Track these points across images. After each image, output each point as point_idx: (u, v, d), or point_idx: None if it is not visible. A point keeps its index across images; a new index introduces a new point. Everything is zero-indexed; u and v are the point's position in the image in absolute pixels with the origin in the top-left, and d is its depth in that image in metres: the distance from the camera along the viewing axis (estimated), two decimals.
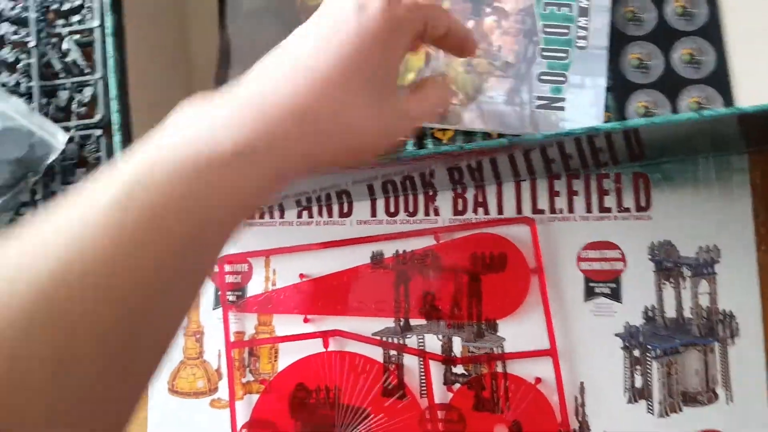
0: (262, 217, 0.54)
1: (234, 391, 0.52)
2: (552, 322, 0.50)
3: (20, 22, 0.54)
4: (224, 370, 0.53)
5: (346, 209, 0.53)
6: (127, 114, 0.43)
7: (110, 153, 0.53)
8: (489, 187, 0.52)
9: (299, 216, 0.54)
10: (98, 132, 0.53)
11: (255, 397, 0.52)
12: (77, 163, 0.53)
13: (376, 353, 0.52)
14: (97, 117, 0.53)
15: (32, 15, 0.53)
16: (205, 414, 0.53)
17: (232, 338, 0.53)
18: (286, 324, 0.53)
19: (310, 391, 0.52)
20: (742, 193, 0.49)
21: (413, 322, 0.52)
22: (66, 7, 0.54)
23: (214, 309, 0.54)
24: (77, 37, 0.53)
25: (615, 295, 0.50)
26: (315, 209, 0.54)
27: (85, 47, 0.54)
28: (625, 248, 0.50)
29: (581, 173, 0.51)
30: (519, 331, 0.50)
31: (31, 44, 0.53)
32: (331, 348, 0.52)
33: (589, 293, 0.50)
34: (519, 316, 0.51)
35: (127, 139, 0.42)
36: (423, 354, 0.51)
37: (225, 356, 0.53)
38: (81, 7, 0.53)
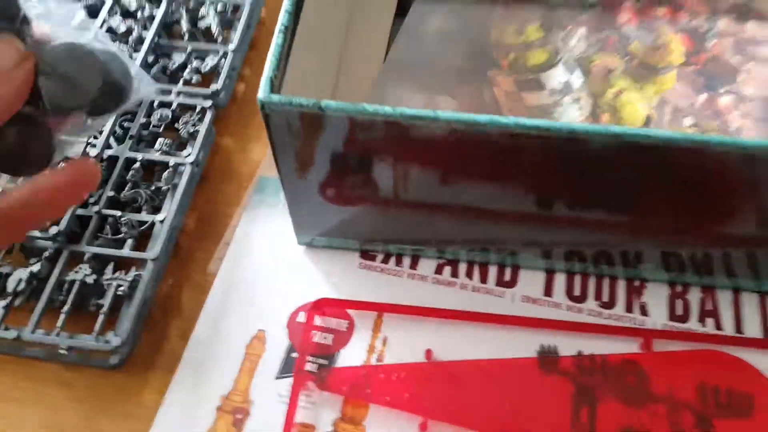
0: (386, 261, 0.37)
1: None
2: None
3: None
4: None
5: (508, 276, 0.37)
6: None
7: (210, 134, 0.40)
8: (722, 293, 0.36)
9: (438, 271, 0.37)
10: (207, 103, 0.40)
11: None
12: (159, 134, 0.40)
13: None
14: (212, 88, 0.40)
15: None
16: None
17: None
18: (387, 428, 0.32)
19: None
20: None
21: None
22: None
23: (278, 378, 0.34)
24: (220, 7, 0.44)
25: None
26: (462, 267, 0.37)
27: (224, 15, 0.44)
28: None
29: None
30: None
31: None
32: None
33: None
34: None
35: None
36: None
37: None
38: None
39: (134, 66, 0.25)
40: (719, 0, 0.46)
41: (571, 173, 0.30)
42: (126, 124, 0.39)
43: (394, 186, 0.32)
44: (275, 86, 0.28)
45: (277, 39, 0.29)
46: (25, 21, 0.23)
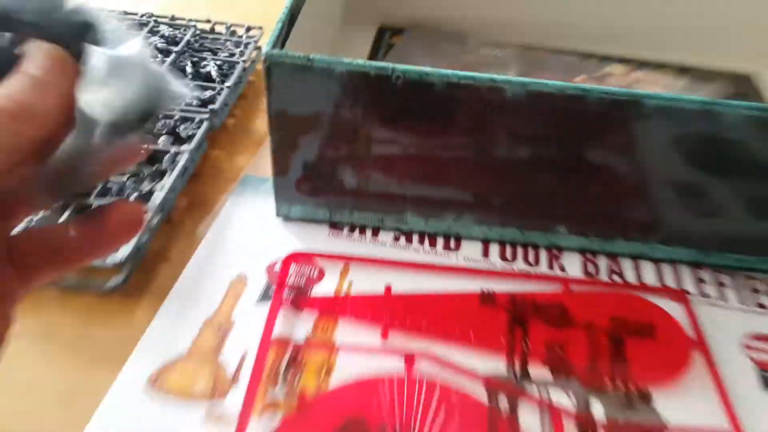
0: (351, 232, 0.44)
1: (252, 403, 0.33)
2: (729, 398, 0.35)
3: (172, 40, 0.56)
4: (244, 376, 0.34)
5: (452, 245, 0.44)
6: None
7: (204, 141, 0.48)
8: (624, 260, 0.44)
9: (396, 239, 0.44)
10: (205, 115, 0.49)
11: (281, 415, 0.32)
12: (162, 134, 0.48)
13: (480, 394, 0.35)
14: (209, 108, 0.49)
15: (187, 37, 0.56)
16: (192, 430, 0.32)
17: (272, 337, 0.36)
18: (354, 337, 0.37)
19: (370, 430, 0.32)
20: None
21: (534, 371, 0.36)
22: (218, 47, 0.57)
23: (258, 303, 0.39)
24: (219, 62, 0.55)
25: None
26: (415, 237, 0.44)
27: (222, 69, 0.55)
28: None
29: (725, 269, 0.44)
30: (682, 407, 0.35)
31: (174, 50, 0.54)
32: (417, 377, 0.35)
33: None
34: (680, 391, 0.36)
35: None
36: (550, 407, 0.34)
37: (254, 357, 0.35)
38: (232, 55, 0.57)
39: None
40: (609, 83, 0.61)
41: (497, 131, 0.40)
42: None
43: (363, 142, 0.41)
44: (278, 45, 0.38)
45: (280, 18, 0.39)
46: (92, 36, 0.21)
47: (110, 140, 0.20)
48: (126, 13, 0.59)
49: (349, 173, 0.42)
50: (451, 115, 0.39)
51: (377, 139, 0.40)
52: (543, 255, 0.44)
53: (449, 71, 0.36)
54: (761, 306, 0.42)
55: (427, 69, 0.37)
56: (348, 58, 0.37)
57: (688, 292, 0.42)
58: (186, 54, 0.55)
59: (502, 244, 0.45)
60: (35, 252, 0.22)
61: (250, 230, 0.44)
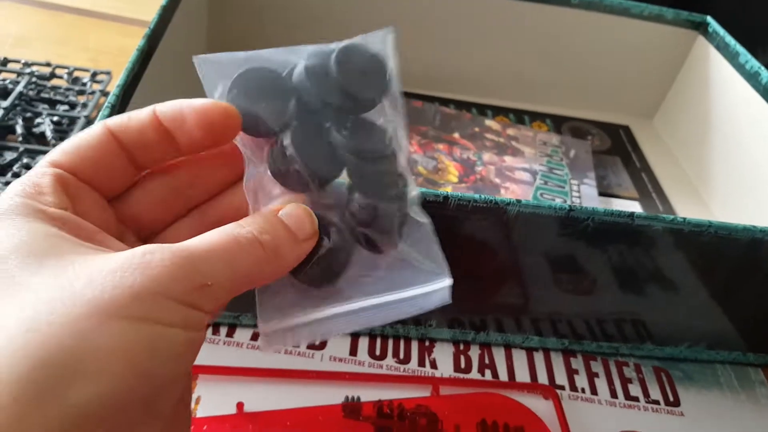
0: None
1: None
2: None
3: (2, 91, 0.49)
4: None
5: (318, 342, 0.41)
6: None
7: None
8: (496, 350, 0.43)
9: (254, 338, 0.40)
10: None
11: None
12: None
13: None
14: None
15: (19, 88, 0.48)
16: None
17: None
18: None
19: None
20: None
21: None
22: (57, 97, 0.50)
23: None
24: (56, 119, 0.48)
25: None
26: None
27: (60, 126, 0.48)
28: None
29: (597, 355, 0.44)
30: None
31: (2, 106, 0.46)
32: None
33: None
34: None
35: None
36: None
37: None
38: (73, 107, 0.50)
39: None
40: (484, 140, 0.60)
41: None
42: None
43: None
44: None
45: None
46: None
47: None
48: None
49: None
50: None
51: None
52: (414, 348, 0.42)
53: None
54: (633, 399, 0.42)
55: None
56: None
57: (560, 387, 0.41)
58: (18, 108, 0.48)
59: (372, 337, 0.42)
60: None
61: None
